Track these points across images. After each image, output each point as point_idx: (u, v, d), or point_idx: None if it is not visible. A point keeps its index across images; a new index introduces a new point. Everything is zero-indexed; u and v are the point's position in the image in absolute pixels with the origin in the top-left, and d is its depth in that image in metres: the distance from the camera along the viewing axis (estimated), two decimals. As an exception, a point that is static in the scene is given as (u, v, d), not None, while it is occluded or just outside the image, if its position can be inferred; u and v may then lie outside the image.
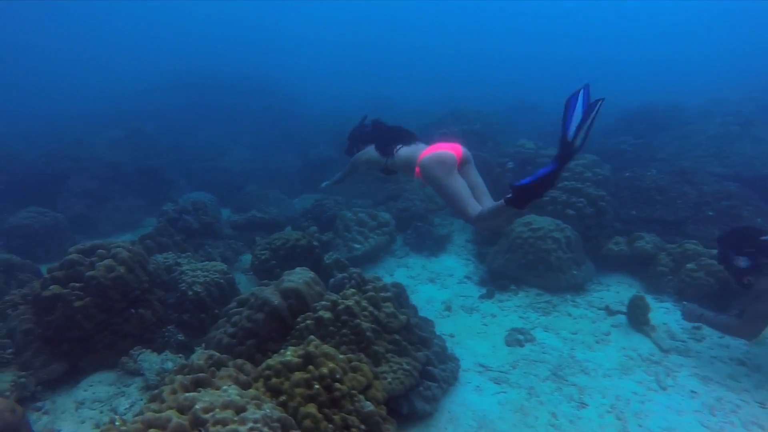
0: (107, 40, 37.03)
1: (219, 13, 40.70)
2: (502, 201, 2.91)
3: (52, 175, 8.75)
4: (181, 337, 4.04)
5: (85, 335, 3.80)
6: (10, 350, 3.72)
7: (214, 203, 9.15)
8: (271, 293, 3.48)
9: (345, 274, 4.03)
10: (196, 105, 16.32)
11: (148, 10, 40.09)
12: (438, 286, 6.00)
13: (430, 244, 7.01)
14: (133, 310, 4.03)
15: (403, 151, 3.81)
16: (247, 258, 6.55)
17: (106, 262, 3.99)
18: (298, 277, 3.65)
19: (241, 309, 3.63)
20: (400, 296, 4.02)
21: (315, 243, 6.11)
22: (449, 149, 3.47)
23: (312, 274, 3.80)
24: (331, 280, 4.15)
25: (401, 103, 20.74)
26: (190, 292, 4.34)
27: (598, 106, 2.35)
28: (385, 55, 36.89)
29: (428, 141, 3.87)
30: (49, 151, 8.98)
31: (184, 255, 5.74)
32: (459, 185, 3.35)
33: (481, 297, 5.55)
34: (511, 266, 5.74)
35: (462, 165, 3.53)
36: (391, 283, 4.08)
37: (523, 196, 2.72)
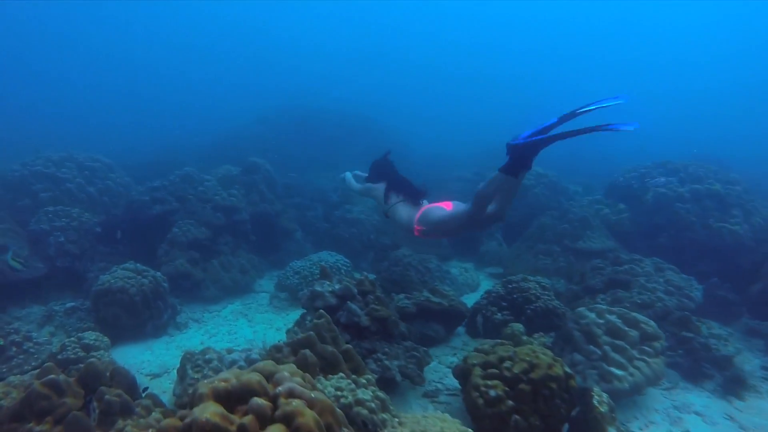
0: (218, 72, 38.75)
1: (323, 49, 41.61)
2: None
3: (155, 218, 7.01)
4: None
5: None
6: None
7: (349, 269, 6.91)
8: None
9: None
10: (305, 143, 14.86)
11: (254, 45, 41.95)
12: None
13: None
14: None
15: (402, 207, 4.21)
16: (435, 373, 4.14)
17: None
18: None
19: None
20: None
21: (568, 371, 3.58)
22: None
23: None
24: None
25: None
26: None
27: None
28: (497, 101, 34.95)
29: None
30: (154, 187, 7.32)
31: (361, 382, 3.37)
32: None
33: None
34: None
35: None
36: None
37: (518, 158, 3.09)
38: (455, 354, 5.22)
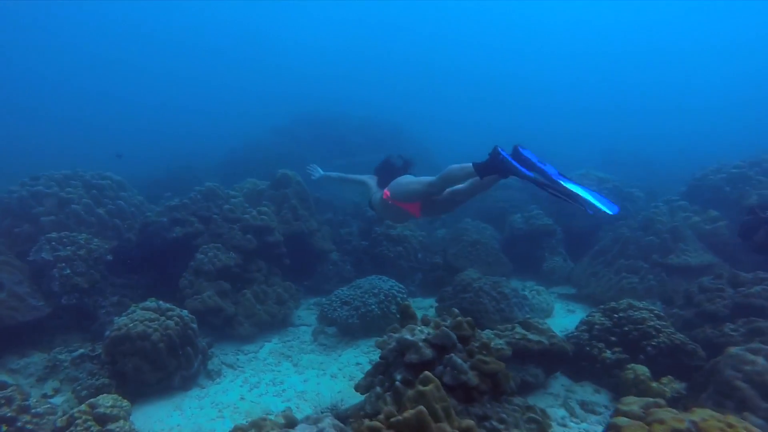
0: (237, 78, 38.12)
1: (340, 54, 40.95)
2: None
3: (175, 242, 6.03)
4: None
5: None
6: None
7: (405, 296, 5.90)
8: None
9: None
10: (326, 152, 13.94)
11: (267, 51, 41.33)
12: None
13: None
14: None
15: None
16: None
17: None
18: None
19: None
20: None
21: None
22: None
23: None
24: None
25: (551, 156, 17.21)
26: None
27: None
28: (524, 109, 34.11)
29: None
30: (172, 206, 6.35)
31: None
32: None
33: None
34: None
35: None
36: None
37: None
38: (561, 404, 4.17)
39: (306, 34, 43.54)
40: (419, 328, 3.46)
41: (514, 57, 43.82)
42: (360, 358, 5.18)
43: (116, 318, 4.36)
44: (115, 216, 6.90)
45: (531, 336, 4.29)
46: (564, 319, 6.17)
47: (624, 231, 6.85)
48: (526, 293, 6.16)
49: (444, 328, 3.31)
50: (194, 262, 5.78)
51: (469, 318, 3.52)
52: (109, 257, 5.94)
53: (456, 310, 3.69)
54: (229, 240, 6.16)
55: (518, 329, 4.41)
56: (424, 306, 6.84)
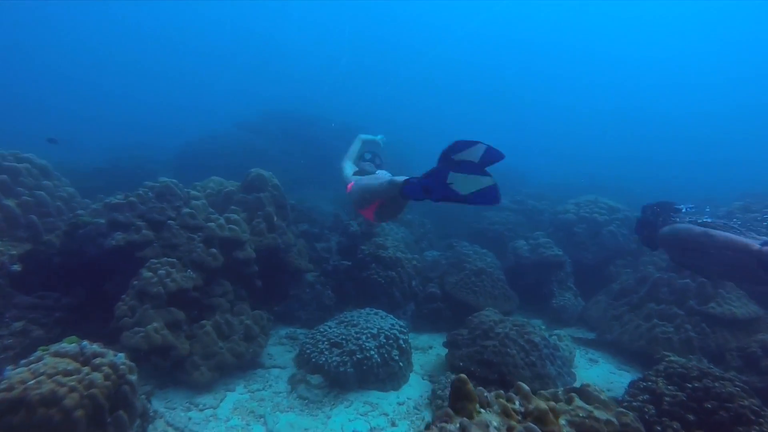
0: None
1: (319, 53, 39.18)
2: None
3: (114, 253, 4.61)
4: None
5: None
6: None
7: (407, 340, 4.81)
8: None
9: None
10: (298, 155, 12.61)
11: (237, 42, 39.00)
12: None
13: None
14: None
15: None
16: None
17: None
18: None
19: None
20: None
21: None
22: None
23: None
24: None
25: (534, 176, 16.86)
26: None
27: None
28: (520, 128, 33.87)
29: None
30: (114, 205, 4.91)
31: None
32: None
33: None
34: None
35: None
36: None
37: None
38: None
39: (282, 30, 41.77)
40: (488, 417, 2.35)
41: (498, 70, 43.85)
42: (357, 423, 3.97)
43: (8, 370, 2.91)
44: (31, 211, 5.32)
45: (598, 414, 3.29)
46: (588, 372, 5.27)
47: (650, 270, 6.10)
48: (555, 341, 5.20)
49: (531, 425, 2.22)
50: (138, 281, 4.37)
51: (552, 404, 2.46)
52: (16, 267, 4.42)
53: (526, 388, 2.62)
54: (187, 254, 4.79)
55: (577, 401, 3.40)
56: (420, 345, 5.74)
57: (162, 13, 38.05)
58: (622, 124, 37.39)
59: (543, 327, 6.56)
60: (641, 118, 37.92)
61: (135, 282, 4.40)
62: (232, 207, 5.86)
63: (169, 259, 4.62)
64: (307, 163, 14.18)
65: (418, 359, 5.30)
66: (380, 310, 5.25)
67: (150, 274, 4.43)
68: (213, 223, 5.11)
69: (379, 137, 5.76)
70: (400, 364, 4.63)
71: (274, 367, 4.93)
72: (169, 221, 4.94)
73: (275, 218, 5.98)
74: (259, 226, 5.79)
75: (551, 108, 39.76)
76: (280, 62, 38.05)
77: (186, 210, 5.13)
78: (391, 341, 4.65)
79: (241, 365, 4.62)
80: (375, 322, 4.81)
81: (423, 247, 8.71)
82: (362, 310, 5.23)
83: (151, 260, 4.60)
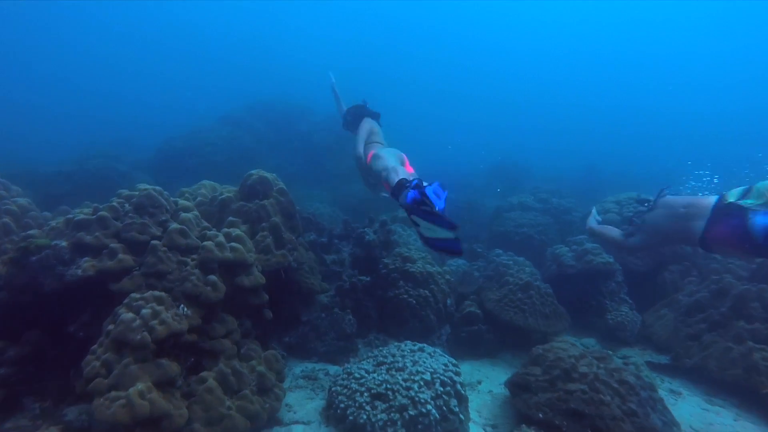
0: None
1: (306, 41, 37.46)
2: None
3: (81, 285, 3.54)
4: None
5: None
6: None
7: (459, 381, 3.84)
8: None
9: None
10: (287, 151, 11.47)
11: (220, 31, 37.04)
12: None
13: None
14: None
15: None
16: None
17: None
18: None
19: None
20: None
21: None
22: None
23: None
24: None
25: (537, 170, 16.13)
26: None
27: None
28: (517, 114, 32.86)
29: None
30: (80, 222, 3.78)
31: None
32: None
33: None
34: None
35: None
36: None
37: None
38: None
39: (266, 22, 40.08)
40: None
41: (494, 69, 43.10)
42: None
43: None
44: (-29, 231, 4.13)
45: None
46: (675, 408, 4.33)
47: (728, 279, 5.25)
48: (648, 377, 4.28)
49: None
50: (115, 325, 3.27)
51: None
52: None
53: None
54: (178, 284, 3.71)
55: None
56: (466, 379, 4.77)
57: (139, 8, 36.05)
58: (614, 116, 37.18)
59: (598, 347, 5.70)
60: (632, 111, 37.77)
61: (110, 327, 3.30)
62: (231, 218, 4.77)
63: (156, 293, 3.53)
64: (295, 158, 13.06)
65: (470, 401, 4.33)
66: (424, 344, 4.26)
67: (131, 315, 3.33)
68: (210, 242, 4.02)
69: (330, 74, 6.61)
70: (461, 416, 3.66)
71: (296, 423, 3.89)
72: (153, 241, 3.84)
73: (283, 231, 4.91)
74: (265, 241, 4.72)
75: (542, 103, 39.30)
76: (264, 54, 36.45)
77: (174, 225, 4.03)
78: (448, 388, 3.66)
79: (256, 428, 3.57)
80: (425, 363, 3.82)
81: (445, 256, 7.74)
82: (402, 345, 4.23)
83: (132, 295, 3.49)
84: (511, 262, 6.23)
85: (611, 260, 6.20)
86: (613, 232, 4.53)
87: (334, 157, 12.94)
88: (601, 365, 3.75)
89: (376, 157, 4.17)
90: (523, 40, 42.85)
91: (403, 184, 3.20)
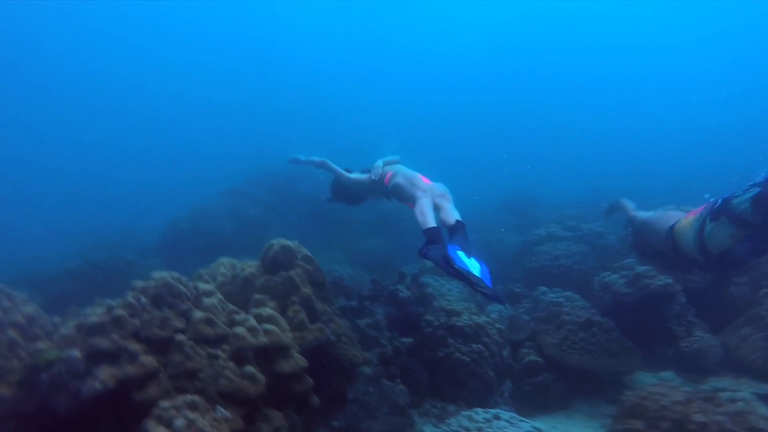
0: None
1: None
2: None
3: (100, 401, 3.03)
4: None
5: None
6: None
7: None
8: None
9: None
10: (293, 214, 11.18)
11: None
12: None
13: None
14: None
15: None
16: None
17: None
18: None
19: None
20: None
21: None
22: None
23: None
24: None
25: (546, 200, 15.80)
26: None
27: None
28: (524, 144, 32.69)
29: None
30: (93, 326, 3.35)
31: None
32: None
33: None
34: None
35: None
36: None
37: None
38: None
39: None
40: None
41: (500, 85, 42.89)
42: None
43: None
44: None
45: None
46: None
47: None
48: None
49: None
50: (143, 446, 2.75)
51: None
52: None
53: None
54: (212, 382, 3.22)
55: None
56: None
57: (130, 73, 36.87)
58: (608, 135, 37.12)
59: (679, 381, 5.09)
60: (628, 127, 37.65)
61: (137, 449, 2.79)
62: (256, 296, 4.35)
63: (188, 398, 3.04)
64: (301, 221, 12.77)
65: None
66: (498, 410, 3.71)
67: (161, 428, 2.82)
68: (241, 327, 3.56)
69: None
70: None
71: None
72: (177, 336, 3.38)
73: (316, 301, 4.47)
74: (298, 316, 4.26)
75: (533, 129, 39.28)
76: (253, 119, 36.96)
77: (198, 314, 3.58)
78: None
79: None
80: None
81: (479, 300, 7.22)
82: (473, 415, 3.69)
83: (160, 404, 3.00)
84: (562, 299, 5.72)
85: (670, 281, 5.70)
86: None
87: (342, 213, 12.65)
88: (718, 410, 3.19)
89: (395, 176, 4.67)
90: (509, 62, 42.91)
91: (436, 237, 3.64)
